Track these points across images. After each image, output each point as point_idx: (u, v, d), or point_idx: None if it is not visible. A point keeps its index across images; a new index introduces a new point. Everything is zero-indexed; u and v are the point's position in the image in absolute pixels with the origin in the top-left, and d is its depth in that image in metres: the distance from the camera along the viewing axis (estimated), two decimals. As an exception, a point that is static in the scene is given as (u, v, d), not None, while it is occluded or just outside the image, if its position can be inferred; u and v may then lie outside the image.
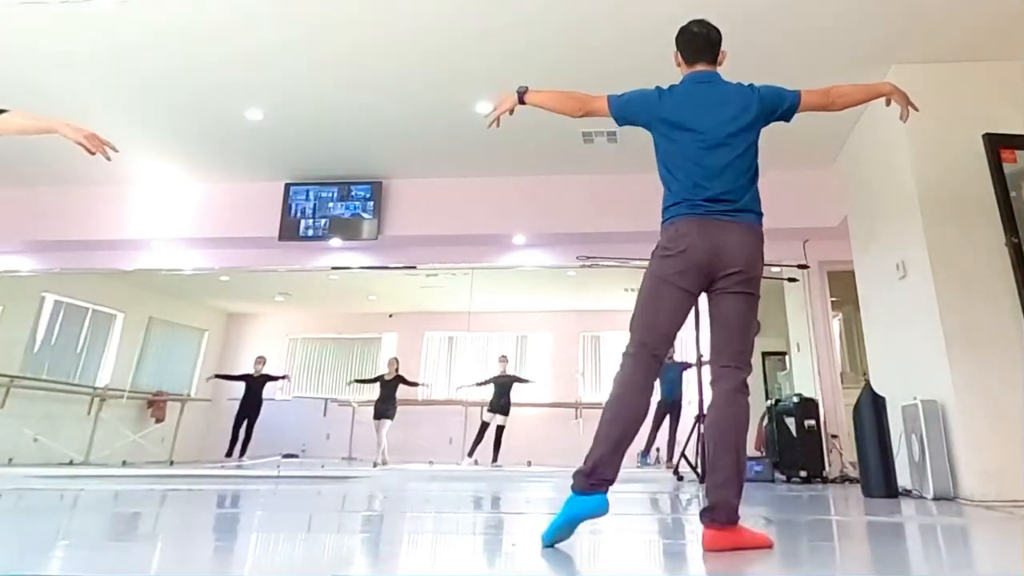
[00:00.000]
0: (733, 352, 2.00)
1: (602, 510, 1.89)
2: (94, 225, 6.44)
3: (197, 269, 7.02)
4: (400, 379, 8.41)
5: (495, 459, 7.97)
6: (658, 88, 2.28)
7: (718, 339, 2.04)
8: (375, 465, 7.67)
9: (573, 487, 1.90)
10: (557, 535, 1.90)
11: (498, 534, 2.36)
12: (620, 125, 2.34)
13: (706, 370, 2.58)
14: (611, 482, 1.91)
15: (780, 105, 2.24)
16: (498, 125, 2.46)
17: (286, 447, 9.16)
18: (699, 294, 2.06)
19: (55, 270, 6.95)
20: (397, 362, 8.53)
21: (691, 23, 2.35)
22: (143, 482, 5.20)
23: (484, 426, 8.12)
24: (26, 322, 7.84)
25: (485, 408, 8.29)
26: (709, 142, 2.12)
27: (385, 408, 8.21)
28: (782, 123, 2.26)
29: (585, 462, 1.92)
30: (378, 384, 8.37)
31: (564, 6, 4.02)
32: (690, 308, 2.05)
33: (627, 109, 2.28)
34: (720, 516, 1.85)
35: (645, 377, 2.00)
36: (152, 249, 6.82)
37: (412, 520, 2.79)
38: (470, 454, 7.95)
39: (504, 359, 8.53)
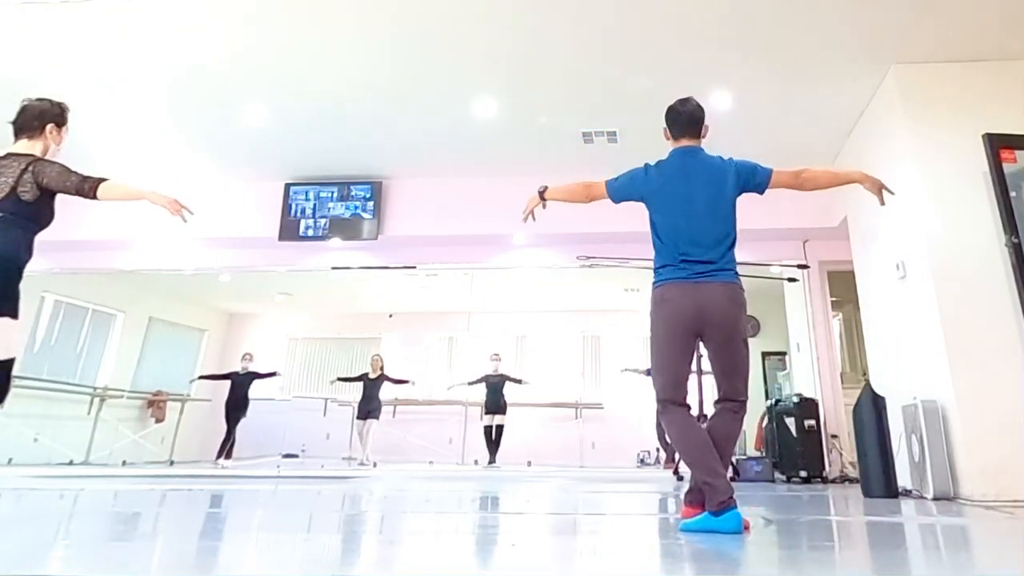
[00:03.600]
0: (729, 389, 2.38)
1: (731, 527, 2.13)
2: (94, 225, 6.44)
3: (197, 269, 7.02)
4: (385, 377, 8.35)
5: (492, 459, 7.93)
6: (646, 165, 2.57)
7: (717, 379, 2.42)
8: (374, 465, 7.66)
9: (708, 509, 2.19)
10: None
11: (498, 534, 2.36)
12: (617, 203, 2.68)
13: (705, 378, 2.79)
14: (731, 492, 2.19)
15: (752, 180, 2.50)
16: (535, 219, 3.01)
17: (286, 447, 9.16)
18: (695, 340, 2.40)
19: (55, 270, 6.95)
20: (381, 360, 8.47)
21: (676, 102, 2.60)
22: (143, 482, 5.20)
23: (488, 430, 8.07)
24: (26, 322, 7.84)
25: (482, 411, 8.24)
26: (691, 212, 2.42)
27: (372, 408, 8.11)
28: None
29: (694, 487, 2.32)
30: (362, 383, 8.30)
31: (564, 5, 4.02)
32: (692, 352, 2.41)
33: (621, 192, 2.62)
34: (699, 498, 2.26)
35: (683, 415, 2.37)
36: (152, 249, 6.82)
37: (412, 520, 2.79)
38: (491, 461, 7.91)
39: (496, 357, 8.45)
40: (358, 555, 1.92)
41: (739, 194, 2.49)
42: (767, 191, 2.52)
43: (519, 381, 8.32)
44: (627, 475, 6.80)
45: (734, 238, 2.46)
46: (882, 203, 2.60)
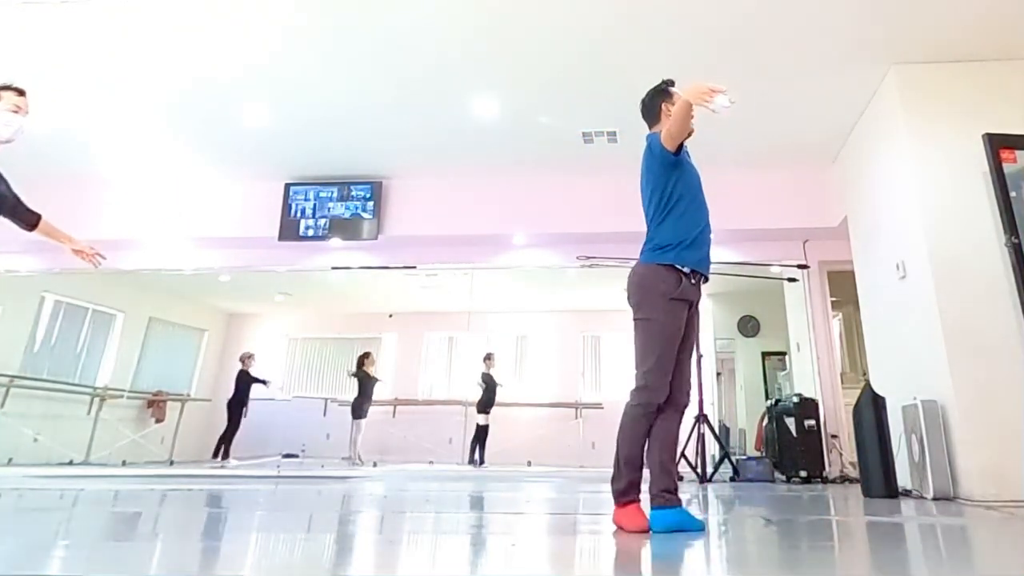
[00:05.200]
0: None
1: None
2: (94, 225, 6.44)
3: (197, 269, 7.02)
4: (365, 374, 8.46)
5: (482, 458, 7.97)
6: None
7: None
8: (374, 465, 7.67)
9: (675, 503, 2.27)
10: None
11: (498, 534, 2.36)
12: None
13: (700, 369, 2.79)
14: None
15: (655, 148, 2.46)
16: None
17: (286, 447, 9.16)
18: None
19: (55, 270, 6.95)
20: (366, 357, 8.56)
21: None
22: (143, 482, 5.20)
23: (482, 429, 8.11)
24: (26, 322, 7.84)
25: (475, 409, 8.28)
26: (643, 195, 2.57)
27: (356, 407, 8.24)
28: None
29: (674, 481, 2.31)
30: (357, 381, 8.38)
31: (564, 5, 4.02)
32: None
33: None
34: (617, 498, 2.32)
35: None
36: (152, 249, 6.82)
37: (412, 520, 2.79)
38: (481, 462, 7.93)
39: (489, 358, 8.50)
40: (358, 555, 1.92)
41: (659, 168, 2.44)
42: (681, 151, 2.43)
43: (499, 384, 8.55)
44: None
45: (657, 214, 2.44)
46: (714, 111, 2.23)
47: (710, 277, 2.50)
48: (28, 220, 3.06)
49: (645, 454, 2.36)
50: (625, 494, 2.29)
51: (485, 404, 8.24)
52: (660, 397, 2.30)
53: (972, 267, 3.92)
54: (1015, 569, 1.70)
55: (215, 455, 7.89)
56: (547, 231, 6.36)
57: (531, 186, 6.32)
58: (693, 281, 2.40)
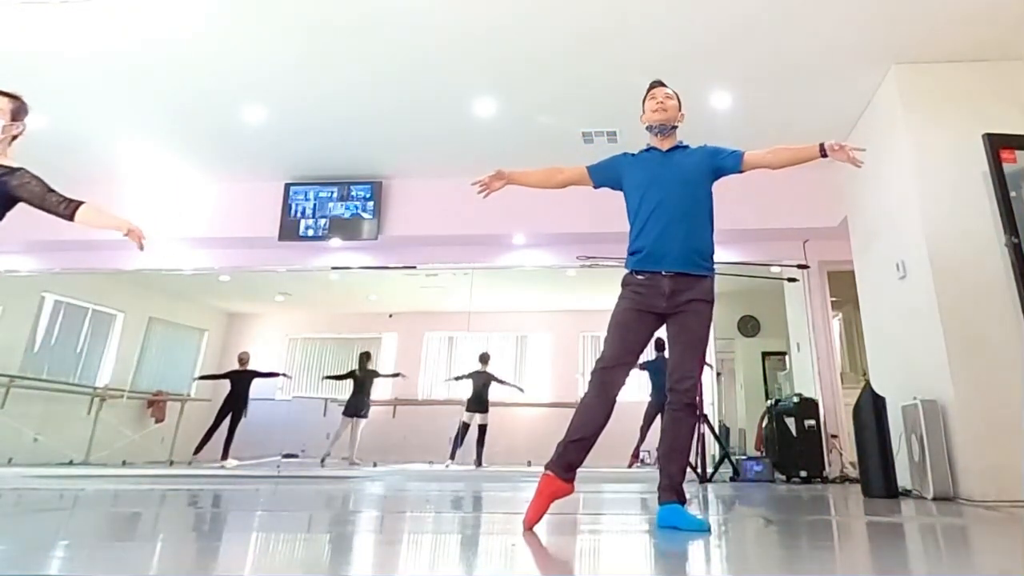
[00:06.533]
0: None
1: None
2: (94, 225, 6.44)
3: (197, 269, 7.02)
4: (374, 373, 8.36)
5: (479, 461, 7.88)
6: None
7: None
8: (374, 465, 7.66)
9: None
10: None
11: (498, 534, 2.36)
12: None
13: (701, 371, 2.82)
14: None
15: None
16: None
17: (286, 447, 9.16)
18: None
19: (55, 270, 6.94)
20: (369, 356, 8.49)
21: None
22: (143, 482, 5.20)
23: (464, 427, 8.00)
24: (26, 322, 7.84)
25: (471, 409, 8.22)
26: None
27: (358, 406, 8.17)
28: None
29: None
30: (351, 380, 8.34)
31: (564, 5, 4.02)
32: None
33: None
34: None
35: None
36: (152, 249, 6.79)
37: (412, 520, 2.79)
38: (451, 457, 7.84)
39: (484, 357, 8.44)
40: (358, 556, 1.92)
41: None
42: (604, 181, 2.85)
43: (503, 383, 8.23)
44: (625, 475, 6.79)
45: None
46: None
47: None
48: (62, 214, 2.79)
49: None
50: (553, 463, 2.39)
51: (468, 402, 8.13)
52: (605, 363, 2.44)
53: (972, 267, 3.92)
54: (1015, 569, 1.70)
55: (223, 456, 7.86)
56: (547, 231, 6.35)
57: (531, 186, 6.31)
58: (653, 281, 2.50)
